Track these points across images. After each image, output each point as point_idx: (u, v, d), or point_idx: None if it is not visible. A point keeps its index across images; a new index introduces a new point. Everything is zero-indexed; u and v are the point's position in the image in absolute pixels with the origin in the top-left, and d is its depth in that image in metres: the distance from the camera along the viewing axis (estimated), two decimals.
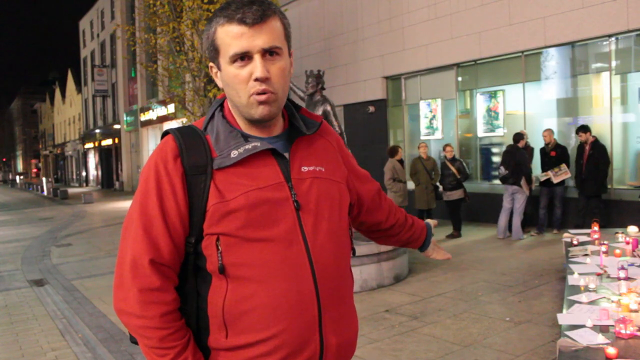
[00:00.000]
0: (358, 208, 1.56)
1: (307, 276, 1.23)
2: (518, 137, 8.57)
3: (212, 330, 1.24)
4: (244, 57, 1.21)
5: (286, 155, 1.29)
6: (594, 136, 8.08)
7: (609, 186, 8.43)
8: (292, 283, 1.21)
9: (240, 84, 1.22)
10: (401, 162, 9.50)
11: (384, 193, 1.64)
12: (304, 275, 1.23)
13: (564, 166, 8.41)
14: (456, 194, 8.92)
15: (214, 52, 1.26)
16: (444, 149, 9.38)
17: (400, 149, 9.50)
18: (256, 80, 1.21)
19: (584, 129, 8.11)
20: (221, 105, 1.34)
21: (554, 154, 8.53)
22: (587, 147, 8.03)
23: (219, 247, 1.20)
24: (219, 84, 1.31)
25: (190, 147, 1.23)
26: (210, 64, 1.31)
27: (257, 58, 1.20)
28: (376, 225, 1.63)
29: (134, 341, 1.31)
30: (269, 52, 1.22)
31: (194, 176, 1.21)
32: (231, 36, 1.20)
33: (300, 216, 1.25)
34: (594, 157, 7.93)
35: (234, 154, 1.23)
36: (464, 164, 9.22)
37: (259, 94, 1.22)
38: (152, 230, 1.20)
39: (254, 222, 1.20)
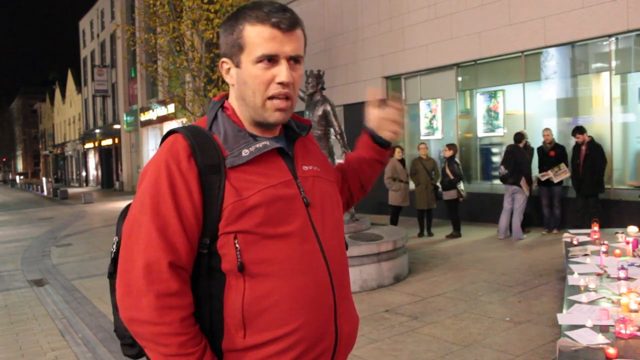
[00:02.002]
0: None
1: (323, 269, 1.26)
2: (519, 137, 8.59)
3: (227, 331, 1.22)
4: (270, 59, 1.23)
5: (290, 154, 1.33)
6: (589, 136, 8.11)
7: (608, 186, 8.43)
8: (310, 277, 1.24)
9: (261, 85, 1.24)
10: (402, 161, 9.51)
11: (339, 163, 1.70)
12: (320, 268, 1.26)
13: (563, 165, 8.43)
14: (449, 194, 8.94)
15: (237, 49, 1.26)
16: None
17: (397, 148, 9.49)
18: (280, 83, 1.24)
19: (580, 130, 8.13)
20: (222, 106, 1.34)
21: (553, 154, 8.55)
22: (584, 147, 8.05)
23: (237, 245, 1.19)
24: (229, 80, 1.31)
25: (202, 146, 1.22)
26: (224, 59, 1.30)
27: (283, 62, 1.24)
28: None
29: (128, 354, 1.30)
30: (294, 60, 1.26)
31: (209, 175, 1.20)
32: (263, 37, 1.22)
33: (309, 212, 1.28)
34: (591, 157, 7.95)
35: (246, 152, 1.23)
36: (456, 165, 9.12)
37: (279, 99, 1.25)
38: (168, 232, 1.16)
39: (272, 219, 1.21)
